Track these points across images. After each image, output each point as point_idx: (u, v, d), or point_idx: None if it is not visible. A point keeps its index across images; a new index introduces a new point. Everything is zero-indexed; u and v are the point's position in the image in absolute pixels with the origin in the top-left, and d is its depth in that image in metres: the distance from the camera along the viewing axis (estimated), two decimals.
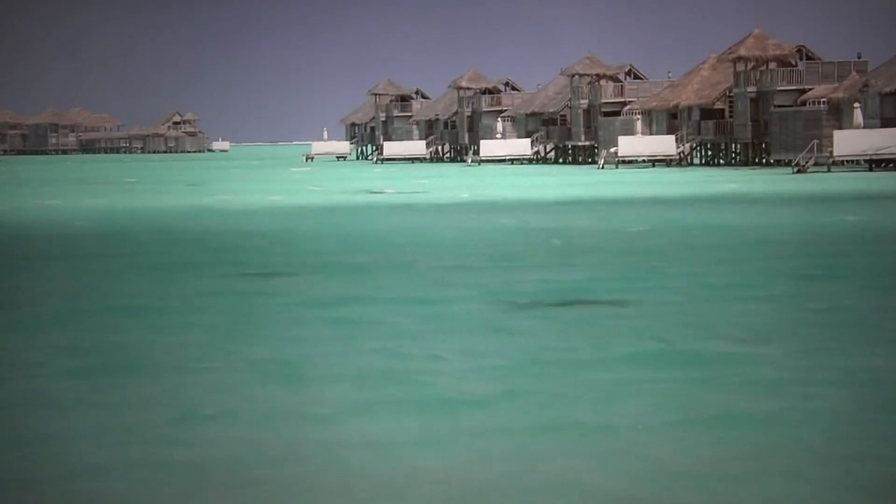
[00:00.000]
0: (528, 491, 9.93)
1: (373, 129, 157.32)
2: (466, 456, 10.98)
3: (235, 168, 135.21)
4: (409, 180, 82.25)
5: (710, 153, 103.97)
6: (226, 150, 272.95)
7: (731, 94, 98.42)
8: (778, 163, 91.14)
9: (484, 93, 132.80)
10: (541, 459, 10.78)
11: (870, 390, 13.50)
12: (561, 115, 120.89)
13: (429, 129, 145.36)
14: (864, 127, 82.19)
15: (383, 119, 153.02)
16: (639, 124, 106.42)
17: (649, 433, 11.59)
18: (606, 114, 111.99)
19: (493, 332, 17.51)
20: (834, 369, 14.65)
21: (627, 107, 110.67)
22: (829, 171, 79.48)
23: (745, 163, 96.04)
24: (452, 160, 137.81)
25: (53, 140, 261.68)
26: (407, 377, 14.16)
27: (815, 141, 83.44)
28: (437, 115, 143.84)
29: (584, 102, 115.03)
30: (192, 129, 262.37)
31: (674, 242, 31.58)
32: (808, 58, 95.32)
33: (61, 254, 32.31)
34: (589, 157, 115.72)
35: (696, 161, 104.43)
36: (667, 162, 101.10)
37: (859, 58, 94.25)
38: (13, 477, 10.82)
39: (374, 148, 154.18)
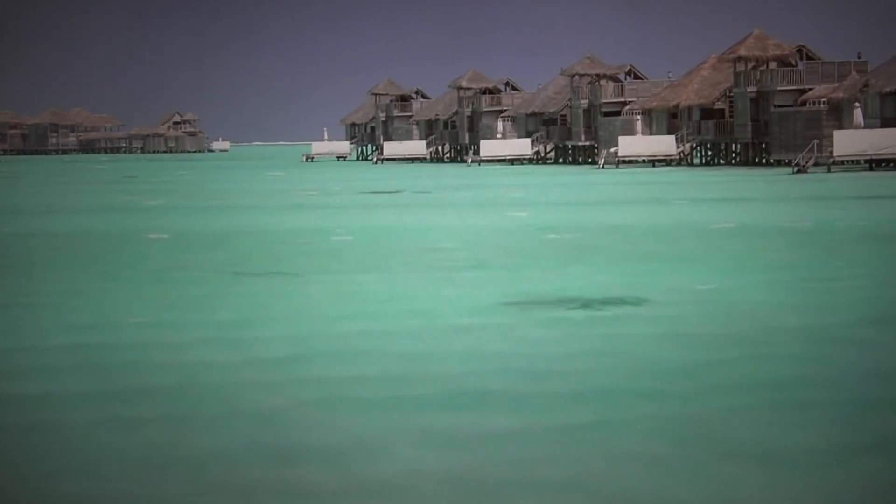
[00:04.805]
0: None
1: (373, 129, 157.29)
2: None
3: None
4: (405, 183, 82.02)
5: (710, 153, 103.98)
6: (226, 150, 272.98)
7: (732, 94, 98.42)
8: (778, 163, 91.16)
9: (484, 93, 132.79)
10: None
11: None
12: (561, 115, 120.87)
13: (429, 129, 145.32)
14: (864, 127, 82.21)
15: (383, 119, 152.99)
16: (639, 124, 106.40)
17: None
18: (606, 114, 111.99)
19: None
20: None
21: (627, 107, 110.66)
22: (829, 171, 79.50)
23: (745, 163, 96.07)
24: (452, 160, 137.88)
25: (53, 140, 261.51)
26: None
27: (815, 141, 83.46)
28: (437, 115, 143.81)
29: (584, 102, 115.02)
30: (192, 129, 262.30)
31: None
32: (808, 58, 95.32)
33: None
34: (589, 157, 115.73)
35: (696, 161, 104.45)
36: (667, 162, 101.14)
37: (859, 58, 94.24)
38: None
39: (374, 148, 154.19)
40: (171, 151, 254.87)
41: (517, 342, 17.16)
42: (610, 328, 18.37)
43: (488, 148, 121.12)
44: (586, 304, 20.75)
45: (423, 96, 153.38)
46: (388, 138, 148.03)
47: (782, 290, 22.29)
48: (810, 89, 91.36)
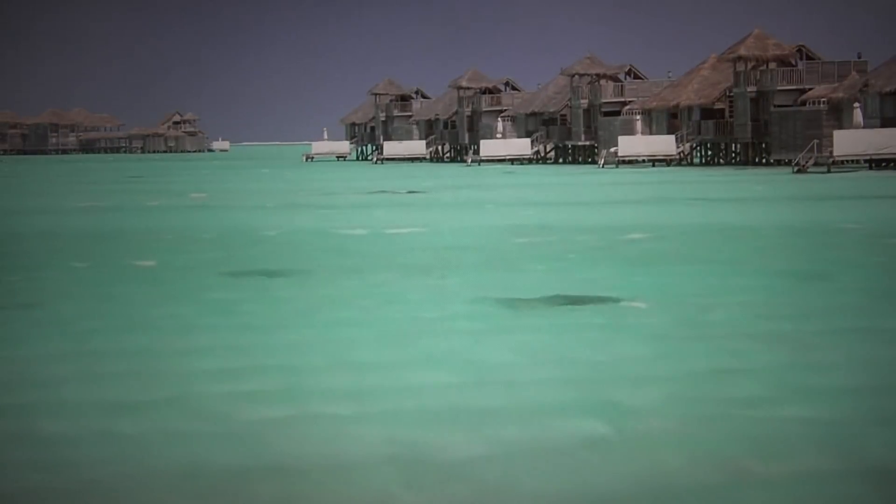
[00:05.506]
0: None
1: (373, 128, 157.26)
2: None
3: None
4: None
5: (710, 153, 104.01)
6: (226, 150, 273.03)
7: (731, 94, 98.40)
8: (778, 163, 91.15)
9: (484, 92, 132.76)
10: None
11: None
12: (561, 115, 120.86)
13: (429, 129, 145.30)
14: (864, 127, 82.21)
15: (383, 119, 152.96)
16: (639, 124, 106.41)
17: None
18: (606, 114, 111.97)
19: None
20: None
21: (627, 107, 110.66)
22: (829, 171, 79.46)
23: (745, 163, 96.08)
24: (452, 160, 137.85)
25: (54, 140, 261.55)
26: None
27: (815, 141, 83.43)
28: (437, 114, 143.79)
29: (584, 102, 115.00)
30: (192, 129, 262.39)
31: None
32: (808, 58, 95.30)
33: None
34: (589, 157, 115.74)
35: (696, 161, 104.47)
36: (667, 162, 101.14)
37: (859, 58, 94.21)
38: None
39: (374, 148, 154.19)
40: (171, 151, 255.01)
41: (532, 347, 16.99)
42: (633, 332, 17.98)
43: (488, 148, 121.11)
44: (602, 304, 20.58)
45: (423, 96, 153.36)
46: (388, 138, 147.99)
47: (803, 290, 22.17)
48: (810, 89, 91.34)
